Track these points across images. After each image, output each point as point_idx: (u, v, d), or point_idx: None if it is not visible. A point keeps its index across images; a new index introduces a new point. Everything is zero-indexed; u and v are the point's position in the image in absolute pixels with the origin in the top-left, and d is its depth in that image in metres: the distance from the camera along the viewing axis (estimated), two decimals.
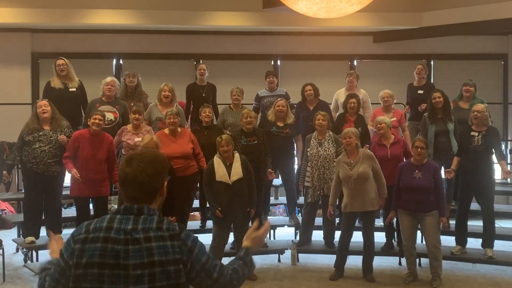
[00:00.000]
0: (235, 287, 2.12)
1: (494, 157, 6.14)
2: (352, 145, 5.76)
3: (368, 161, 5.75)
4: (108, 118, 6.47)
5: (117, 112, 6.65)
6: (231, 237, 6.08)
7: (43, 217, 6.24)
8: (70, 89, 6.81)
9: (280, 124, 6.70)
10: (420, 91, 7.41)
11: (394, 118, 6.87)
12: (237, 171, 5.68)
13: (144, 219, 1.98)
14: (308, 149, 6.37)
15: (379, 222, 6.91)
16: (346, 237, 5.92)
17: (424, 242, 6.16)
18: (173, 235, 1.97)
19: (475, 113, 6.06)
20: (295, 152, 7.01)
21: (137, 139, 6.08)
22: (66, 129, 6.12)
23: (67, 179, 6.24)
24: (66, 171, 6.12)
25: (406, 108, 7.46)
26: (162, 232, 1.96)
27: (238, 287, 2.15)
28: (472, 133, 6.05)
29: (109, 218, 2.00)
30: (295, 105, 7.47)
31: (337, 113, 7.30)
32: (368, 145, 6.38)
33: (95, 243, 1.95)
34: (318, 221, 6.67)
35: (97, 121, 5.79)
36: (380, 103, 7.27)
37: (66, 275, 2.02)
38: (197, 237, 2.08)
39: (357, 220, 6.07)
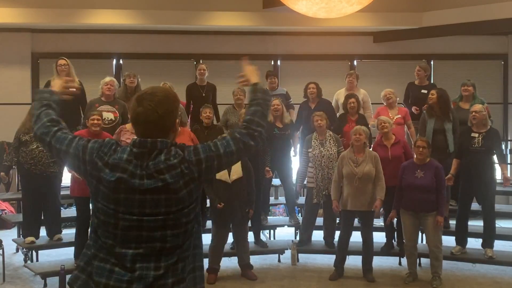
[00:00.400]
0: (259, 136, 2.24)
1: (495, 157, 6.14)
2: (360, 142, 5.76)
3: (373, 161, 5.76)
4: (108, 118, 6.47)
5: (117, 111, 6.65)
6: (230, 237, 6.09)
7: (42, 217, 6.24)
8: (70, 89, 6.79)
9: (279, 125, 6.70)
10: (424, 91, 7.37)
11: (399, 115, 6.87)
12: (237, 170, 5.69)
13: (156, 154, 2.06)
14: (310, 150, 6.36)
15: (379, 222, 6.91)
16: (345, 236, 5.92)
17: (424, 242, 6.16)
18: (181, 159, 2.07)
19: (473, 113, 6.05)
20: (292, 151, 7.01)
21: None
22: None
23: (67, 179, 6.24)
24: (63, 171, 6.16)
25: (414, 108, 7.38)
26: (171, 161, 2.06)
27: (261, 132, 2.25)
28: (473, 134, 6.03)
29: (129, 151, 2.09)
30: (292, 104, 7.48)
31: (337, 113, 7.31)
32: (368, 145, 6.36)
33: (115, 172, 2.06)
34: (318, 221, 6.67)
35: (95, 121, 5.78)
36: (379, 103, 7.27)
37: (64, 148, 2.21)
38: (197, 145, 2.18)
39: (356, 220, 6.07)
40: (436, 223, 5.56)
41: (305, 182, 6.55)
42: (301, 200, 6.97)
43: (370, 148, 6.31)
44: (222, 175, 5.65)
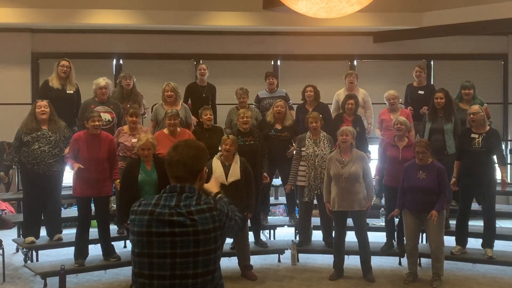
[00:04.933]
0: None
1: (495, 157, 6.14)
2: (347, 143, 5.78)
3: (360, 161, 5.76)
4: (105, 119, 6.47)
5: (112, 112, 6.65)
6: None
7: (42, 217, 6.24)
8: (68, 91, 6.81)
9: (279, 126, 6.69)
10: (421, 92, 7.41)
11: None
12: (234, 172, 5.67)
13: (185, 197, 2.31)
14: (303, 149, 6.36)
15: (378, 222, 6.92)
16: (340, 236, 5.93)
17: (425, 242, 6.16)
18: (211, 207, 2.31)
19: (471, 115, 6.05)
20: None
21: (134, 140, 6.09)
22: (64, 129, 6.12)
23: (69, 179, 6.24)
24: (64, 170, 6.21)
25: (409, 108, 7.43)
26: (201, 206, 2.30)
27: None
28: (472, 135, 6.03)
29: (157, 197, 2.35)
30: (292, 105, 7.47)
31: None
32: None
33: (144, 215, 2.29)
34: (318, 220, 6.67)
35: (96, 123, 5.78)
36: (380, 103, 7.29)
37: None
38: (221, 200, 2.45)
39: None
40: (438, 224, 5.55)
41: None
42: None
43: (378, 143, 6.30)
44: (219, 177, 5.60)
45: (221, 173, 5.65)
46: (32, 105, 6.23)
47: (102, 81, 6.71)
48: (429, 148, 5.69)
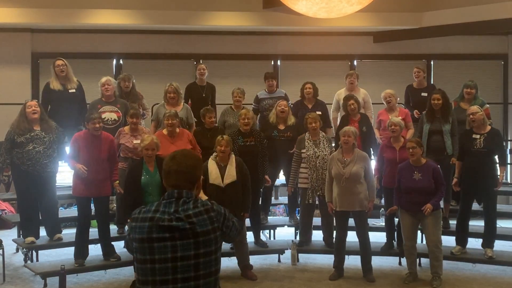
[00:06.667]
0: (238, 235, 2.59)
1: (496, 157, 6.15)
2: (349, 144, 5.78)
3: (362, 161, 5.76)
4: (112, 118, 6.48)
5: (119, 111, 6.64)
6: None
7: (40, 217, 6.22)
8: (70, 90, 6.80)
9: (281, 127, 6.68)
10: (424, 94, 7.35)
11: (400, 117, 6.87)
12: (230, 174, 5.65)
13: (183, 202, 2.36)
14: (304, 151, 6.35)
15: (379, 222, 6.92)
16: (341, 236, 5.93)
17: (424, 242, 6.16)
18: (208, 208, 2.36)
19: (471, 116, 6.05)
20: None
21: (135, 141, 6.09)
22: (55, 129, 6.08)
23: (69, 179, 6.23)
24: (57, 171, 6.20)
25: (415, 111, 7.35)
26: (199, 208, 2.35)
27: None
28: (474, 136, 6.03)
29: (157, 204, 2.40)
30: (291, 105, 7.47)
31: (339, 113, 7.30)
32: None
33: (144, 222, 2.34)
34: (318, 221, 6.67)
35: (96, 125, 5.76)
36: (381, 103, 7.27)
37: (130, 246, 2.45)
38: (224, 209, 2.47)
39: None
40: (435, 223, 5.56)
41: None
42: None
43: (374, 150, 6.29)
44: (215, 179, 5.60)
45: (217, 175, 5.63)
46: (22, 105, 6.13)
47: (103, 78, 6.75)
48: (420, 145, 5.68)
